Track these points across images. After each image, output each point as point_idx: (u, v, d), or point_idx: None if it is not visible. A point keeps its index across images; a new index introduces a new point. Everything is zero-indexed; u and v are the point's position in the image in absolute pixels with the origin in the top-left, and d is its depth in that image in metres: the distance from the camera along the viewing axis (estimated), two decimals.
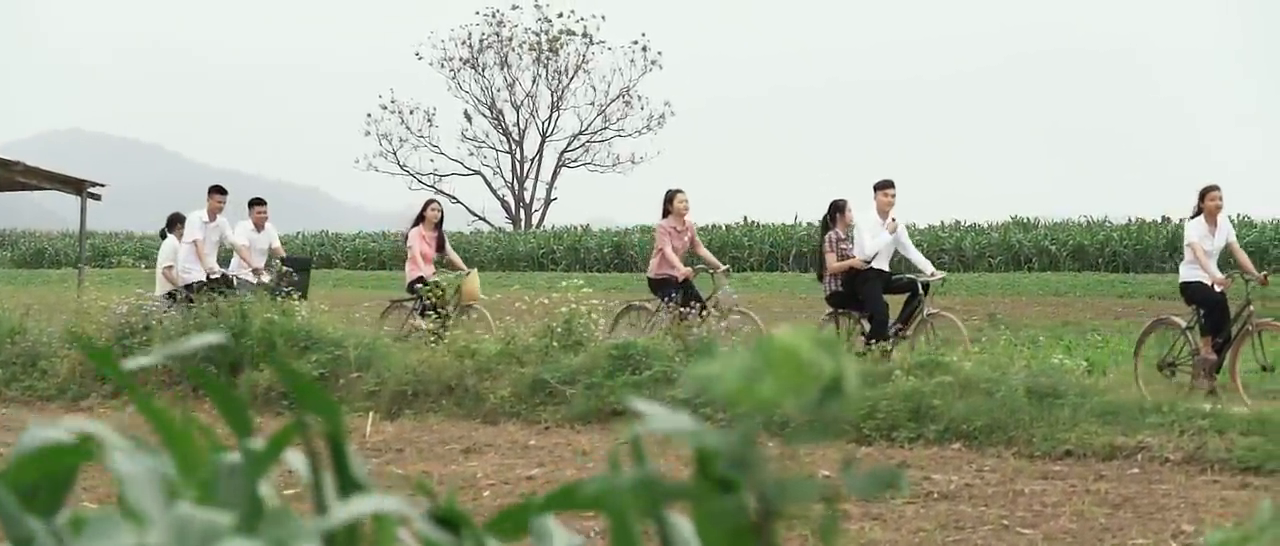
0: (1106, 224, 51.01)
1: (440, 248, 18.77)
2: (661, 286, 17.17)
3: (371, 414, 13.51)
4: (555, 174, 73.49)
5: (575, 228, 60.39)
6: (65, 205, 26.01)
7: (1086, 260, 48.16)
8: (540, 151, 73.47)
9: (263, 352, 14.95)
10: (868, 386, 12.16)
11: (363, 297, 27.29)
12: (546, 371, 13.92)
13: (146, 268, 31.12)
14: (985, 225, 53.79)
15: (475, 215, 71.10)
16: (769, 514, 1.20)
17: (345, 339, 15.29)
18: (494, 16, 71.25)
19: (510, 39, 71.47)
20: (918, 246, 20.75)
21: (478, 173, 73.04)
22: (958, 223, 53.80)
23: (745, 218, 56.12)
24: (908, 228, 16.67)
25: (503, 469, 10.86)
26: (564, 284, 16.06)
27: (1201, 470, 10.48)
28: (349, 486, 1.44)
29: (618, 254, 54.75)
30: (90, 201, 24.45)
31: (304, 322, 15.80)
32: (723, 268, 17.94)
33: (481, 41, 71.41)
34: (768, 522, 1.20)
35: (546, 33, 71.33)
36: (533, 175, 73.43)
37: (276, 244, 20.10)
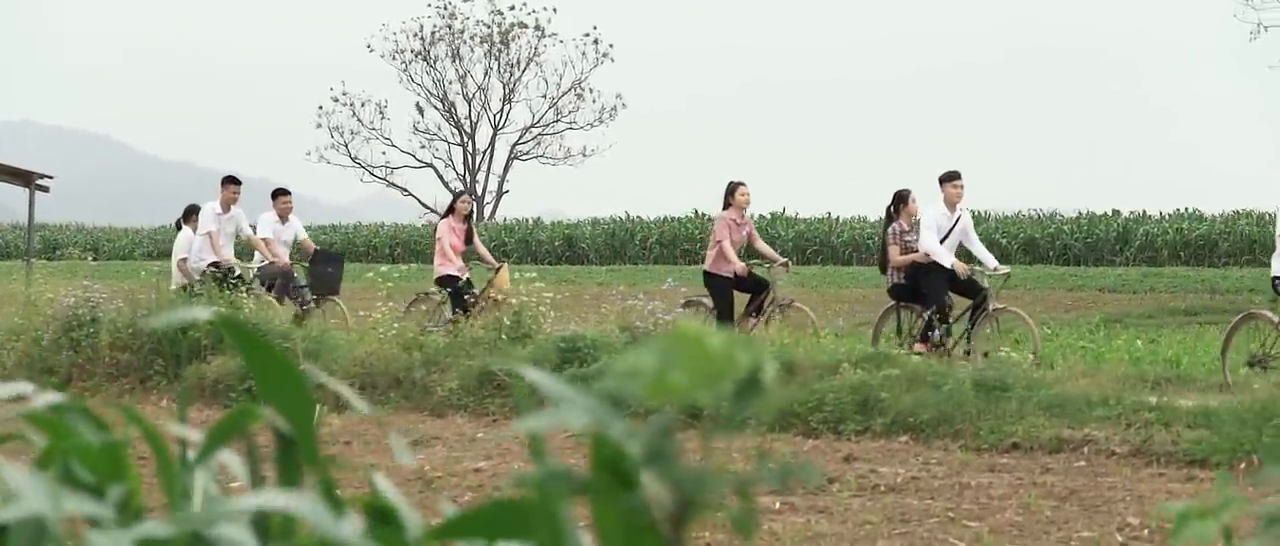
0: (1057, 217, 51.25)
1: (469, 240, 18.61)
2: (716, 281, 16.79)
3: (319, 406, 13.43)
4: (507, 166, 73.28)
5: (527, 220, 60.37)
6: (13, 197, 25.82)
7: (1037, 253, 48.40)
8: (492, 144, 73.23)
9: (210, 345, 14.88)
10: (815, 379, 12.19)
11: None
12: (494, 363, 13.89)
13: (94, 260, 30.96)
14: None
15: (427, 208, 70.71)
16: (684, 507, 1.18)
17: (292, 331, 15.24)
18: (445, 8, 70.94)
19: (462, 31, 71.17)
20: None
21: (429, 165, 72.73)
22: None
23: (696, 210, 56.13)
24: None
25: (450, 461, 10.83)
26: (516, 276, 16.05)
27: (1147, 463, 10.52)
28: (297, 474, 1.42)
29: (569, 246, 54.78)
30: (39, 193, 24.28)
31: (251, 314, 15.73)
32: (782, 261, 17.33)
33: (433, 33, 71.09)
34: (683, 516, 1.18)
35: (498, 25, 71.06)
36: (484, 168, 73.21)
37: (303, 236, 19.54)
